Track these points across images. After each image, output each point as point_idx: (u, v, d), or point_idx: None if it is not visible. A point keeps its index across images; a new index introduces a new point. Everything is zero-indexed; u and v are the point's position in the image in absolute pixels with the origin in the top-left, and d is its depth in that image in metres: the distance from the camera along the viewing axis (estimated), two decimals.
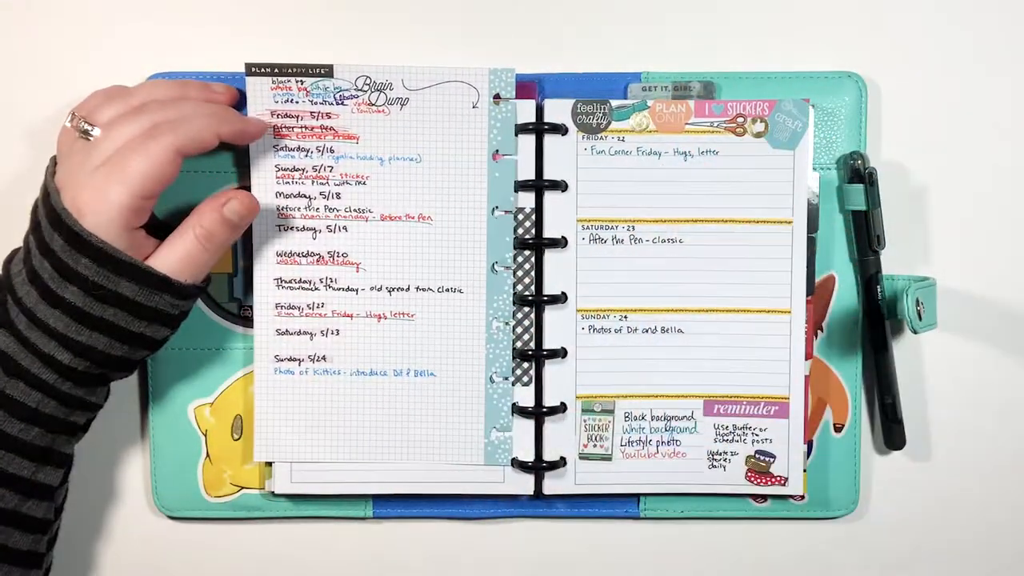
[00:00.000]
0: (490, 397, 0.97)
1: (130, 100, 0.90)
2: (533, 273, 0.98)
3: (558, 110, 0.97)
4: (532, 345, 0.98)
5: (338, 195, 0.96)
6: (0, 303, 0.87)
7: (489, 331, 0.97)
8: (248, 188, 0.96)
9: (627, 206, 0.97)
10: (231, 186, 0.97)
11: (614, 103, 0.97)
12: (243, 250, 0.98)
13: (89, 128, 0.87)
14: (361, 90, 0.95)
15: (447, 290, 0.97)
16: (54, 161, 0.90)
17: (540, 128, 0.96)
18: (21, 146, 1.01)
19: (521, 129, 0.96)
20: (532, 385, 0.98)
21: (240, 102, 0.95)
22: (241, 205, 0.90)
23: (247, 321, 0.99)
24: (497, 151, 0.96)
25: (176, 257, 0.88)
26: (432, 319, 0.97)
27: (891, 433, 1.00)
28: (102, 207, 0.83)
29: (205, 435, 1.00)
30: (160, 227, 0.92)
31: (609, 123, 0.97)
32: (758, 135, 0.96)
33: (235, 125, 0.90)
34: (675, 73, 0.98)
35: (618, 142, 0.97)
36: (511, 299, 0.97)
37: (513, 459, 0.98)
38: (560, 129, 0.96)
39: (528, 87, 0.97)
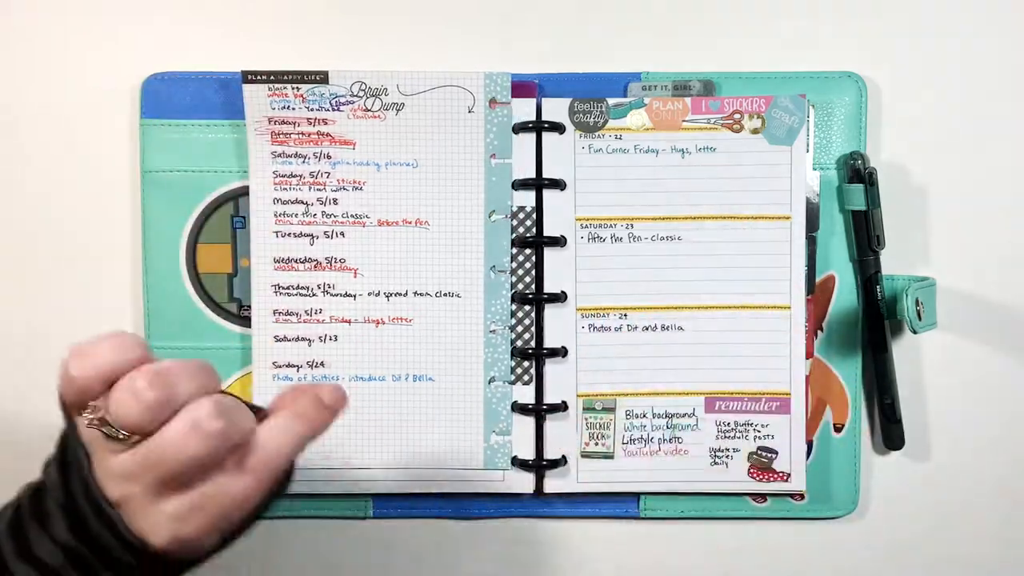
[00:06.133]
0: (488, 401, 0.97)
1: (155, 393, 0.65)
2: (534, 272, 0.98)
3: (555, 109, 0.97)
4: (533, 344, 0.98)
5: (335, 201, 0.96)
6: None
7: (487, 335, 0.97)
8: (247, 191, 0.97)
9: (625, 204, 0.97)
10: (235, 184, 0.98)
11: (611, 101, 0.96)
12: (243, 251, 0.98)
13: (118, 434, 0.65)
14: (357, 96, 0.94)
15: (445, 294, 0.97)
16: (82, 446, 0.67)
17: (539, 127, 0.96)
18: (22, 146, 1.01)
19: (521, 128, 0.96)
20: (533, 384, 0.98)
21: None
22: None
23: (247, 321, 0.99)
24: (494, 155, 0.96)
25: None
26: (430, 324, 0.97)
27: (890, 433, 1.00)
28: (192, 552, 0.68)
29: None
30: None
31: (606, 121, 0.96)
32: (755, 131, 0.96)
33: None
34: (675, 73, 0.98)
35: (615, 140, 0.96)
36: (509, 302, 0.97)
37: (514, 458, 0.98)
38: (558, 128, 0.96)
39: (528, 86, 0.97)
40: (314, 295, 0.97)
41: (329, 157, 0.96)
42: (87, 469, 0.66)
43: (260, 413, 0.69)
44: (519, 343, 0.98)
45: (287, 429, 0.69)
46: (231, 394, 0.68)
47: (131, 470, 0.65)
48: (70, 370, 0.65)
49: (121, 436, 0.64)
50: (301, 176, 0.96)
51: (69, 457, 0.67)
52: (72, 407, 0.66)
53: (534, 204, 0.97)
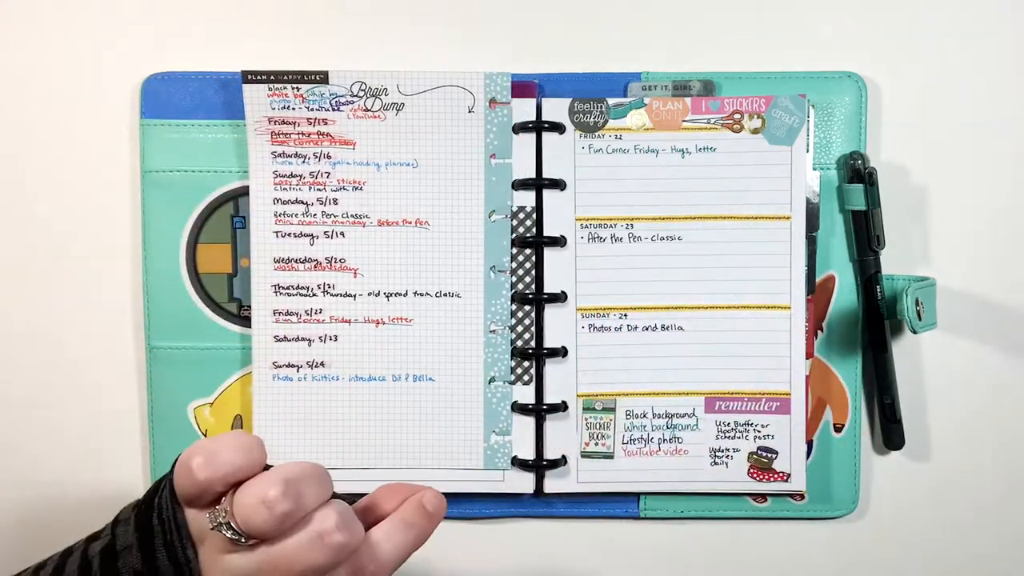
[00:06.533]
0: (488, 401, 0.97)
1: (288, 504, 0.66)
2: (534, 272, 0.98)
3: (556, 109, 0.97)
4: (533, 344, 0.98)
5: (335, 201, 0.96)
6: None
7: (487, 335, 0.97)
8: (247, 191, 0.97)
9: (625, 204, 0.97)
10: (235, 184, 0.98)
11: (611, 101, 0.96)
12: (243, 251, 0.98)
13: (242, 539, 0.66)
14: (357, 96, 0.94)
15: (445, 294, 0.97)
16: (189, 537, 0.69)
17: (539, 127, 0.96)
18: (22, 146, 1.01)
19: (521, 128, 0.96)
20: (533, 384, 0.98)
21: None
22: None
23: (247, 321, 0.99)
24: (494, 155, 0.96)
25: None
26: (430, 324, 0.97)
27: (890, 433, 1.00)
28: None
29: (205, 435, 1.00)
30: None
31: (606, 121, 0.96)
32: (755, 131, 0.96)
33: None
34: (675, 73, 0.98)
35: (615, 140, 0.96)
36: (509, 302, 0.97)
37: (514, 458, 0.98)
38: (558, 128, 0.96)
39: (528, 86, 0.96)
40: (314, 295, 0.97)
41: (329, 157, 0.96)
42: (194, 562, 0.68)
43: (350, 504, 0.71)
44: (519, 343, 0.98)
45: (396, 538, 0.71)
46: (339, 496, 0.70)
47: (247, 570, 0.67)
48: (195, 472, 0.66)
49: (245, 541, 0.66)
50: (301, 176, 0.96)
51: (167, 538, 0.68)
52: (187, 502, 0.68)
53: (534, 204, 0.97)
